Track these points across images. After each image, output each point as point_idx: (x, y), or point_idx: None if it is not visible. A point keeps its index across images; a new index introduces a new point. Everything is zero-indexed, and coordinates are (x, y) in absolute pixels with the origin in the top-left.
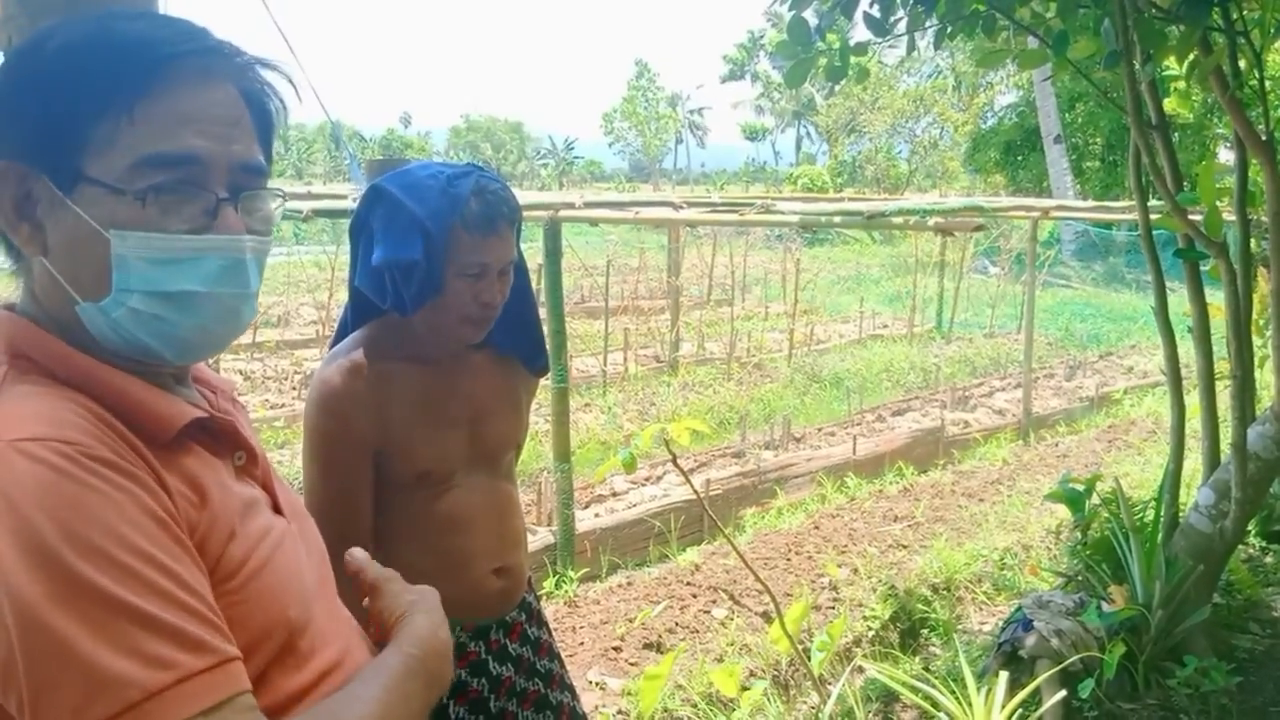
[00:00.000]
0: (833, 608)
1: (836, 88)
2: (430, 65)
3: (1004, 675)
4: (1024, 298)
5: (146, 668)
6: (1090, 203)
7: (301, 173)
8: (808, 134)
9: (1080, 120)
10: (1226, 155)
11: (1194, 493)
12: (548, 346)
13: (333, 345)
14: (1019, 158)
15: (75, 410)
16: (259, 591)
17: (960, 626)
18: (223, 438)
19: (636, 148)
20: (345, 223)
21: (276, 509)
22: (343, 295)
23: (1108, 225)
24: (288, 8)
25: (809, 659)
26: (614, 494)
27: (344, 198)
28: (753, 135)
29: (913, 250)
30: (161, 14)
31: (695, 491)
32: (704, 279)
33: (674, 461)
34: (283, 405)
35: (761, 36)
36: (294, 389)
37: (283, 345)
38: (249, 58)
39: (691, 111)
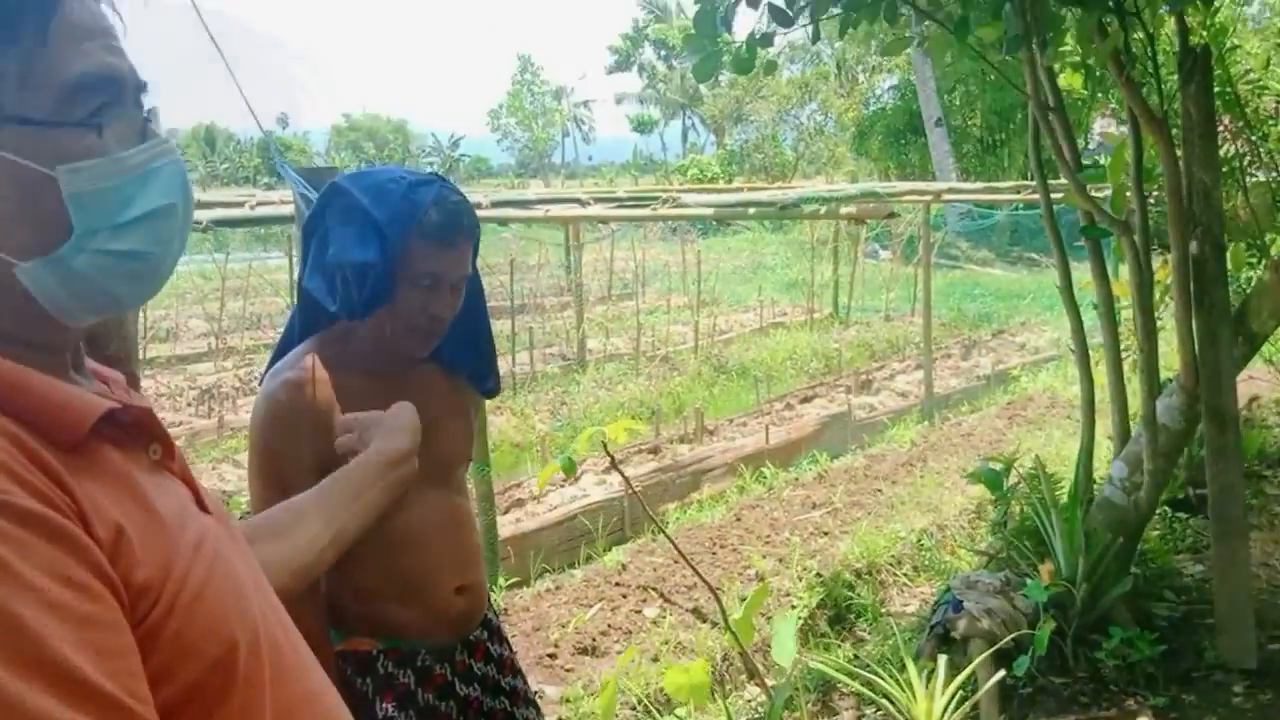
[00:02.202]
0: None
1: (724, 78)
2: (306, 65)
3: (943, 659)
4: (919, 280)
5: None
6: (980, 185)
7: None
8: (693, 125)
9: (958, 103)
10: (1102, 125)
11: (1107, 466)
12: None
13: (276, 356)
14: (902, 141)
15: None
16: (201, 616)
17: (885, 609)
18: (135, 430)
19: (524, 142)
20: (235, 231)
21: (201, 505)
22: (232, 306)
23: (990, 206)
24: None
25: (749, 652)
26: (532, 497)
27: (240, 205)
28: (640, 127)
29: (807, 237)
30: None
31: (632, 489)
32: (604, 274)
33: (613, 464)
34: (180, 423)
35: (646, 27)
36: (189, 405)
37: (174, 360)
38: None
39: (577, 105)
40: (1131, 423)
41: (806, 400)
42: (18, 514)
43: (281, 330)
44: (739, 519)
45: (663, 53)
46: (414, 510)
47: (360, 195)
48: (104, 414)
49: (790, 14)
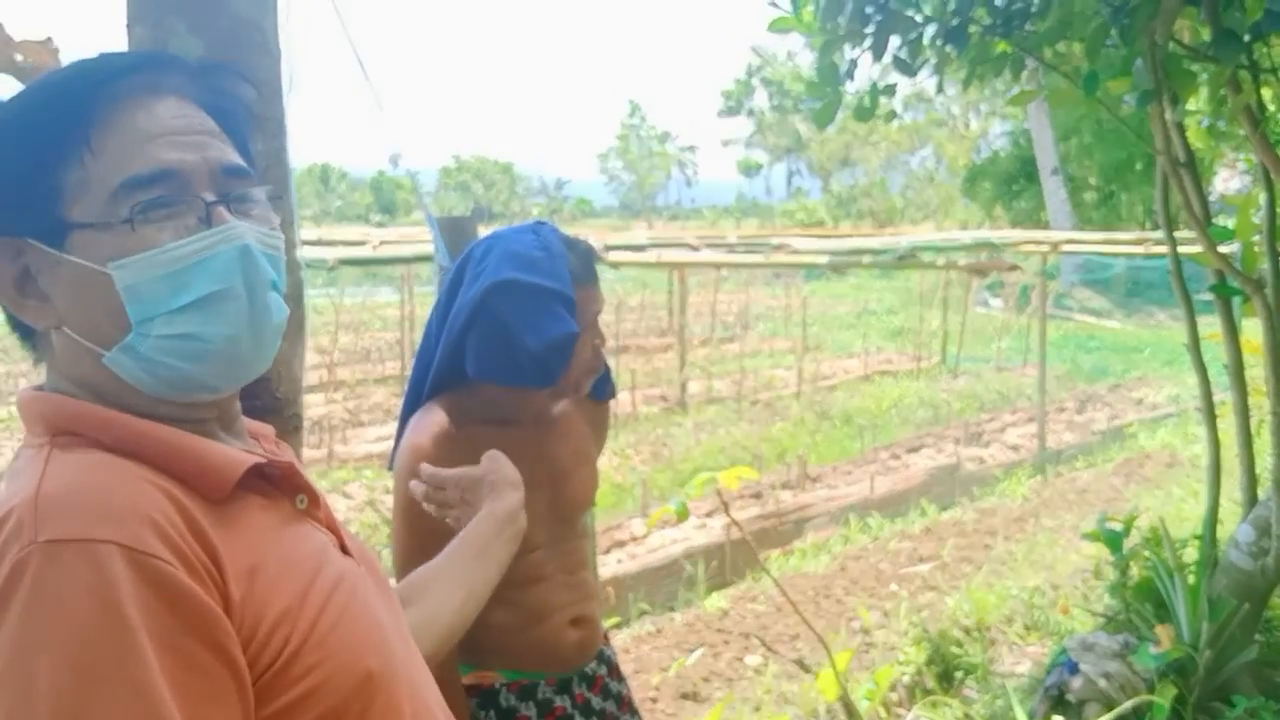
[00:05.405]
0: (866, 652)
1: (834, 123)
2: (417, 106)
3: None
4: (1032, 331)
5: None
6: (1099, 235)
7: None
8: (798, 170)
9: (1074, 152)
10: (1223, 183)
11: (1231, 529)
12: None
13: (404, 414)
14: (1014, 187)
15: (134, 486)
16: (339, 646)
17: (994, 668)
18: (281, 482)
19: (630, 185)
20: (349, 267)
21: (344, 549)
22: (343, 340)
23: (1110, 257)
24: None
25: (855, 706)
26: (633, 538)
27: (361, 244)
28: (747, 171)
29: (915, 284)
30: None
31: (745, 535)
32: (707, 316)
33: (727, 511)
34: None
35: (759, 69)
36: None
37: None
38: (196, 66)
39: (682, 149)
40: (1259, 486)
41: (914, 450)
42: (161, 582)
43: (397, 369)
44: (843, 569)
45: (775, 100)
46: (537, 551)
47: (528, 277)
48: (249, 470)
49: (914, 66)
